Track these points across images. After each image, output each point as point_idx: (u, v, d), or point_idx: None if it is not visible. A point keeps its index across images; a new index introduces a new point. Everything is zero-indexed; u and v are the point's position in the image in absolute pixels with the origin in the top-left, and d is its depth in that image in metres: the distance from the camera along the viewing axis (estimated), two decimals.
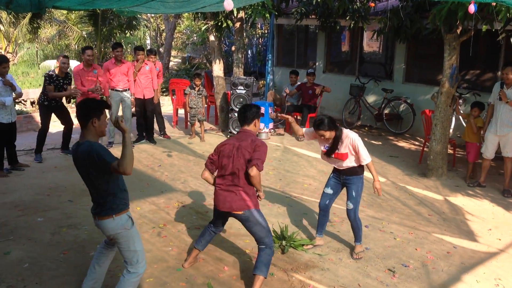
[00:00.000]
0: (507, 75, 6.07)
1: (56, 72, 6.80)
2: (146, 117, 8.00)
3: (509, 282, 4.04)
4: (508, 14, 5.44)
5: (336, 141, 4.11)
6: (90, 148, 2.96)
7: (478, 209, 5.74)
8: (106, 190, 3.07)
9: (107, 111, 3.17)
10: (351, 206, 4.31)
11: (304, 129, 4.44)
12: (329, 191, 4.45)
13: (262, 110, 8.98)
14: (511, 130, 6.12)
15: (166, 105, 11.57)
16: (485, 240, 4.88)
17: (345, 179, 4.32)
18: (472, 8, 3.95)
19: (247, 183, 3.61)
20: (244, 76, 8.98)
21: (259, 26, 16.87)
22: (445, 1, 5.71)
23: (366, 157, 4.16)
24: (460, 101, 8.43)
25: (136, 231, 3.21)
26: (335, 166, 4.34)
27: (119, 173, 2.90)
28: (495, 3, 5.00)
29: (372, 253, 4.45)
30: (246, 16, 8.80)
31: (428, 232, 4.98)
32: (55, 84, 6.75)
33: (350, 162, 4.21)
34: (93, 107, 3.06)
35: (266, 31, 16.35)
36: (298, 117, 9.33)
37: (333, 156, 4.20)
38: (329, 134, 4.08)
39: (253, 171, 3.49)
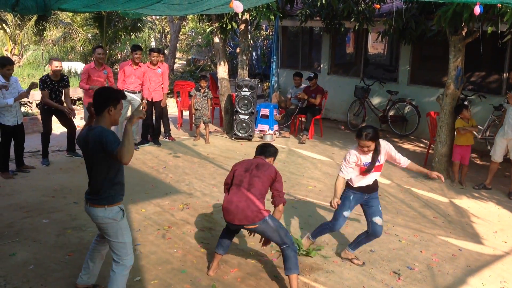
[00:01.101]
0: None
1: (50, 77, 6.70)
2: (153, 119, 8.03)
3: None
4: None
5: (377, 153, 3.91)
6: (102, 133, 2.99)
7: (483, 211, 5.70)
8: (105, 178, 3.11)
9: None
10: (381, 221, 4.09)
11: (350, 160, 3.98)
12: (348, 214, 4.16)
13: (267, 112, 9.03)
14: None
15: (171, 107, 11.58)
16: (490, 242, 4.85)
17: (369, 196, 4.11)
18: (477, 10, 3.93)
19: (261, 196, 3.72)
20: (248, 78, 8.99)
21: (263, 28, 16.89)
22: (450, 2, 5.69)
23: (404, 158, 4.05)
24: (465, 103, 8.39)
25: (126, 224, 3.24)
26: (364, 184, 4.05)
27: (117, 160, 2.91)
28: (500, 5, 4.98)
29: (377, 255, 4.43)
30: (251, 18, 8.82)
31: (433, 235, 4.96)
32: (51, 88, 6.67)
33: (378, 175, 4.09)
34: (111, 96, 3.10)
35: (270, 33, 16.36)
36: (303, 119, 9.33)
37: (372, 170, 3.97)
38: (373, 145, 3.87)
39: (281, 207, 3.80)
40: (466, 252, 4.60)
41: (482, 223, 5.34)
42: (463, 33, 6.44)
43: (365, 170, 3.97)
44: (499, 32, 6.11)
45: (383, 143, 3.98)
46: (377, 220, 4.07)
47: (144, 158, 7.25)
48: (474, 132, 8.15)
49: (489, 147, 7.56)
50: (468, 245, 4.75)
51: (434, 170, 6.73)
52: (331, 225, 4.24)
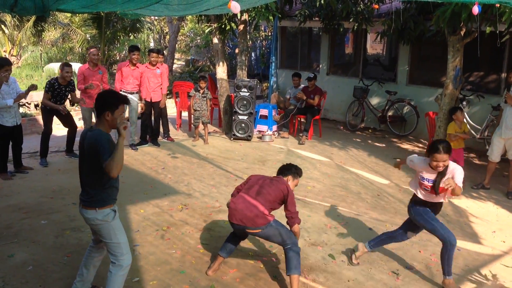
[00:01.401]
0: None
1: (59, 81, 6.77)
2: (152, 120, 8.04)
3: None
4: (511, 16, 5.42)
5: (443, 174, 3.68)
6: (98, 137, 3.00)
7: (482, 211, 5.70)
8: (97, 182, 3.11)
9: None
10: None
11: (413, 158, 3.94)
12: (439, 218, 3.95)
13: (266, 112, 9.03)
14: None
15: (170, 107, 11.55)
16: (489, 242, 4.85)
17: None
18: (476, 10, 3.93)
19: (267, 204, 3.72)
20: (247, 78, 9.00)
21: (262, 28, 16.90)
22: (449, 2, 5.70)
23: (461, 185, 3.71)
24: (464, 103, 8.40)
25: (118, 224, 3.23)
26: (427, 199, 3.88)
27: (105, 172, 2.92)
28: (499, 4, 4.98)
29: (375, 255, 4.43)
30: (249, 18, 8.82)
31: (431, 235, 4.94)
32: (57, 92, 6.76)
33: (441, 199, 3.89)
34: (107, 101, 3.09)
35: (269, 34, 16.36)
36: (302, 120, 9.32)
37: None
38: (448, 159, 3.66)
39: (296, 228, 3.81)
40: (465, 252, 4.60)
41: (480, 222, 5.34)
42: (462, 33, 6.45)
43: (432, 189, 3.77)
44: (497, 32, 6.12)
45: (453, 165, 3.73)
46: (412, 235, 4.14)
47: (143, 159, 7.25)
48: (472, 132, 8.18)
49: (487, 147, 7.55)
50: (467, 245, 4.75)
51: None
52: (448, 242, 3.77)
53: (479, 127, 8.18)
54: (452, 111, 6.53)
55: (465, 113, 8.37)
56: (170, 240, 4.55)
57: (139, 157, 7.34)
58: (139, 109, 7.79)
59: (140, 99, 7.79)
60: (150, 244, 4.46)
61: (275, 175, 4.06)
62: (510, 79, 6.17)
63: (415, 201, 3.98)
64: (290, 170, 4.02)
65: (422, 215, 3.89)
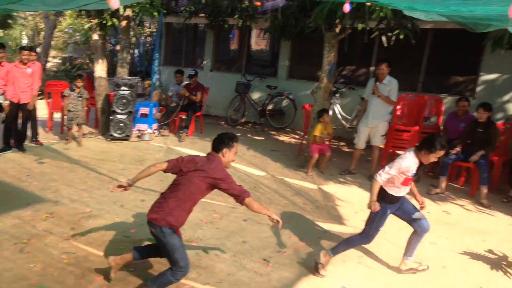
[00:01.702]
0: (382, 70, 6.50)
1: None
2: (18, 123, 7.33)
3: (370, 260, 4.39)
4: (381, 14, 5.87)
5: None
6: None
7: (347, 194, 6.16)
8: None
9: None
10: (421, 214, 3.97)
11: (404, 168, 3.76)
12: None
13: (147, 110, 8.77)
14: (380, 122, 6.68)
15: (40, 109, 10.67)
16: (352, 222, 5.25)
17: (402, 199, 4.00)
18: (346, 8, 4.14)
19: (179, 205, 3.45)
20: (129, 76, 8.68)
21: (148, 24, 16.41)
22: (326, 1, 6.00)
23: None
24: (337, 95, 9.01)
25: None
26: (403, 194, 3.95)
27: None
28: (369, 3, 5.35)
29: (249, 246, 4.54)
30: (133, 14, 8.47)
31: (302, 220, 5.23)
32: None
33: None
34: None
35: (155, 30, 15.94)
36: (184, 117, 9.23)
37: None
38: None
39: (247, 201, 3.37)
40: (329, 234, 4.92)
41: (345, 205, 5.77)
42: (337, 30, 6.79)
43: (413, 180, 3.87)
44: (368, 29, 6.56)
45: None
46: (417, 215, 3.95)
47: (5, 167, 6.56)
48: (343, 122, 8.82)
49: (355, 135, 8.20)
50: (332, 227, 5.09)
51: (306, 159, 7.11)
52: (365, 241, 4.05)
53: (349, 117, 8.85)
54: (320, 114, 6.85)
55: (338, 105, 9.02)
56: (31, 253, 4.17)
57: (0, 164, 6.64)
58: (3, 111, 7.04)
59: (5, 100, 7.04)
60: (7, 260, 4.04)
61: (210, 152, 3.57)
62: (378, 71, 6.67)
63: (384, 199, 3.94)
64: (222, 142, 3.51)
65: (382, 217, 3.96)
